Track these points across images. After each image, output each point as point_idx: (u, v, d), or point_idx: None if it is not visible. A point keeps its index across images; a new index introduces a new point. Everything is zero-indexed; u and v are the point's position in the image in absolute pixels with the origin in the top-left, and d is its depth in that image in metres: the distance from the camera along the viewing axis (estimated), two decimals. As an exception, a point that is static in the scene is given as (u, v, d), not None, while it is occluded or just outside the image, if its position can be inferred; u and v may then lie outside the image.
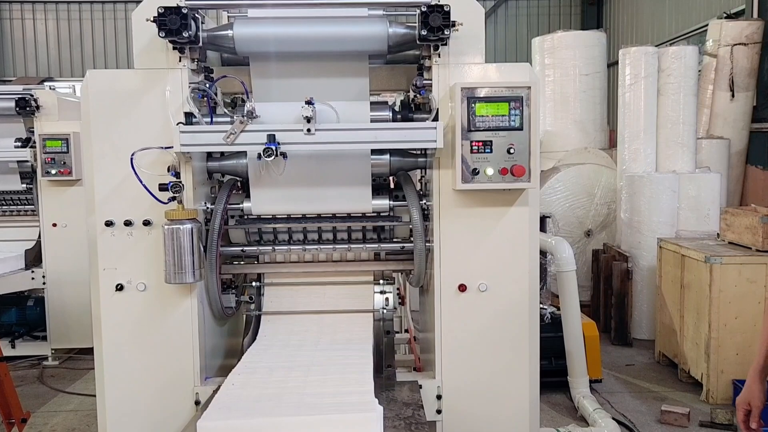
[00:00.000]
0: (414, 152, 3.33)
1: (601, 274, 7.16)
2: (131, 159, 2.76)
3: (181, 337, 2.95)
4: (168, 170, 2.80)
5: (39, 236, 6.18)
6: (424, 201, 3.11)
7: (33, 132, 5.99)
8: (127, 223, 2.90)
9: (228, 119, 2.90)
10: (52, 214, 6.08)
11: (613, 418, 4.54)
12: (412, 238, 3.09)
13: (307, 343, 3.07)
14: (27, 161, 6.05)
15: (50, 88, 6.48)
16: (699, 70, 7.59)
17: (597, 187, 7.74)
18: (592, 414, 4.57)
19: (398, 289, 3.91)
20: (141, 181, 2.76)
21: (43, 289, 6.16)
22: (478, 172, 2.80)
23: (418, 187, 3.33)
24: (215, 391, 2.61)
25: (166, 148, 2.81)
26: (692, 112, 7.36)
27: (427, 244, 3.04)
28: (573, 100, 8.59)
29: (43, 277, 6.12)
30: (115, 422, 2.96)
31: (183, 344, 2.95)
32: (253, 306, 3.41)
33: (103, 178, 2.90)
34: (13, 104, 5.90)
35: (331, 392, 2.42)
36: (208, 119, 2.92)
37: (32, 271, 6.12)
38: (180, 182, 2.78)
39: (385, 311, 3.39)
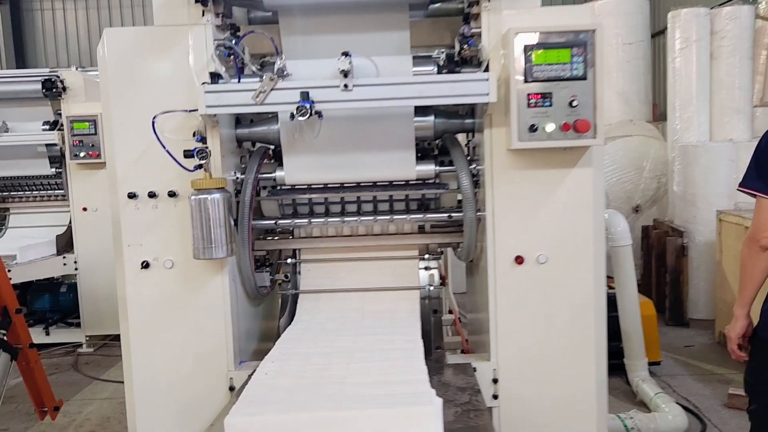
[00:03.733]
0: (460, 113, 3.03)
1: (652, 252, 6.76)
2: (153, 123, 2.52)
3: (212, 317, 2.72)
4: (193, 135, 2.55)
5: (70, 221, 6.05)
6: (474, 166, 2.81)
7: (60, 115, 5.85)
8: (152, 195, 2.66)
9: (257, 80, 2.63)
10: (82, 198, 5.94)
11: (677, 403, 4.20)
12: (460, 207, 2.80)
13: (348, 325, 2.81)
14: (55, 144, 5.91)
15: (76, 69, 6.32)
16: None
17: (646, 160, 7.32)
18: (653, 399, 4.24)
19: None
20: (164, 147, 2.52)
21: (75, 274, 6.04)
22: (537, 128, 2.49)
23: (465, 152, 3.03)
24: (249, 377, 2.37)
25: (191, 111, 2.56)
26: (748, 77, 6.90)
27: (477, 214, 2.74)
28: (616, 70, 8.14)
29: (75, 262, 5.99)
30: (144, 409, 2.75)
31: (215, 325, 2.72)
32: (288, 285, 3.16)
33: (124, 146, 2.67)
34: (39, 86, 5.77)
35: (377, 381, 2.12)
36: (236, 80, 2.66)
37: (64, 257, 6.00)
38: (206, 148, 2.53)
39: (431, 288, 3.12)
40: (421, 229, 3.16)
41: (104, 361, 5.83)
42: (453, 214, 2.92)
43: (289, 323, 2.95)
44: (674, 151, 6.85)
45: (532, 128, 2.49)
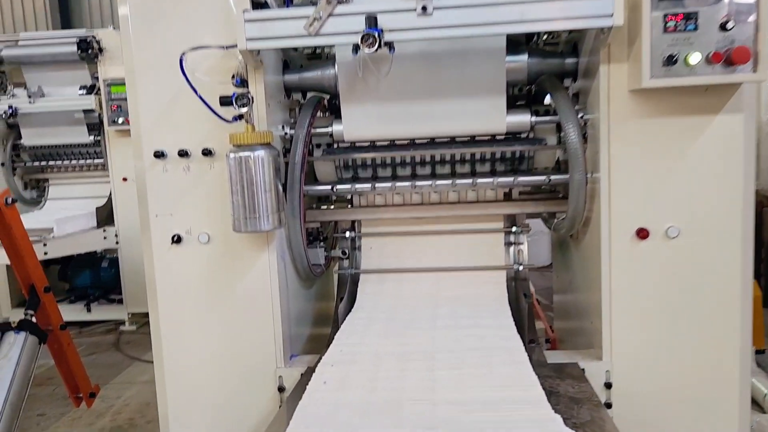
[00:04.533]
0: (558, 51, 2.45)
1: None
2: (181, 62, 2.01)
3: (257, 303, 2.23)
4: (232, 78, 2.04)
5: (110, 192, 5.69)
6: (582, 115, 2.22)
7: (98, 78, 5.45)
8: (183, 154, 2.17)
9: (310, 7, 2.08)
10: (122, 167, 5.54)
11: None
12: (559, 169, 2.23)
13: (421, 314, 2.28)
14: (93, 111, 5.52)
15: (113, 28, 5.90)
16: None
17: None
18: (769, 396, 3.61)
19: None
20: (195, 91, 2.02)
21: (116, 249, 5.69)
22: (676, 60, 1.88)
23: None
24: (302, 376, 1.86)
25: (228, 47, 2.05)
26: None
27: (588, 175, 2.17)
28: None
29: (116, 236, 5.63)
30: (177, 410, 2.30)
31: (260, 313, 2.23)
32: (347, 263, 2.65)
33: (148, 93, 2.19)
34: (75, 48, 5.37)
35: (477, 399, 1.59)
36: (284, 7, 2.12)
37: (104, 230, 5.64)
38: (248, 93, 2.02)
39: (520, 268, 2.56)
40: (507, 197, 2.60)
41: (146, 340, 5.43)
42: (553, 176, 2.34)
43: (349, 310, 2.45)
44: (772, 112, 6.04)
45: (670, 60, 1.89)
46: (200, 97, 2.00)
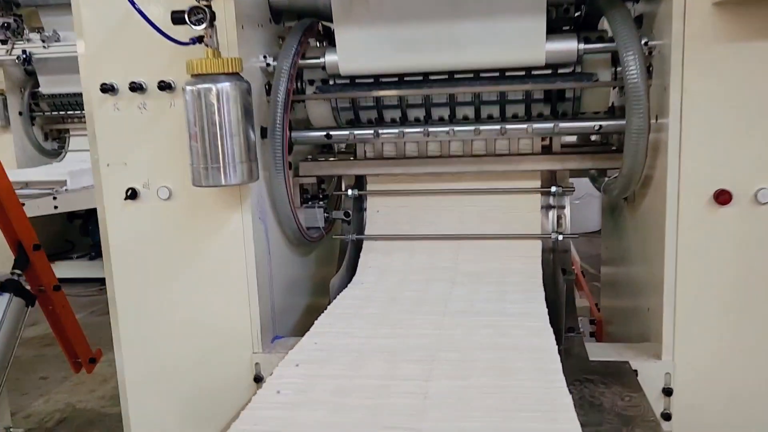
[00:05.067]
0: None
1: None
2: (121, -34, 1.57)
3: (229, 274, 1.82)
4: (190, -10, 1.60)
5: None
6: (646, 40, 1.69)
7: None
8: (135, 88, 1.75)
9: None
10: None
11: None
12: (613, 113, 1.72)
13: (432, 294, 1.82)
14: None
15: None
16: None
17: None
18: None
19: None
20: (133, 4, 1.57)
21: (135, 204, 5.39)
22: (787, -46, 1.34)
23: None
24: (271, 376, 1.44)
25: (184, -51, 1.59)
26: None
27: (652, 122, 1.65)
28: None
29: (134, 190, 5.33)
30: (137, 398, 1.93)
31: (233, 286, 1.83)
32: (350, 224, 2.21)
33: (95, 11, 1.76)
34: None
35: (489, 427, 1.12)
36: None
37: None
38: (206, 5, 1.57)
39: (559, 238, 2.08)
40: (547, 150, 2.10)
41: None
42: (605, 123, 1.83)
43: (347, 284, 2.02)
44: None
45: (778, -46, 1.34)
46: (140, 12, 1.55)
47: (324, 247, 2.41)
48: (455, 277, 1.94)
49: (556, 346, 1.40)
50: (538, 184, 2.09)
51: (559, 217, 2.16)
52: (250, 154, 1.66)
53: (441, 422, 1.10)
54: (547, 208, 2.18)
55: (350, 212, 2.21)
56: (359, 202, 2.21)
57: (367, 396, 1.19)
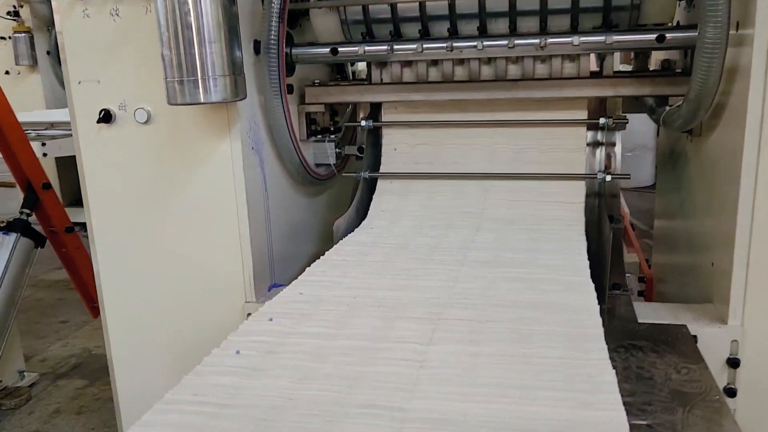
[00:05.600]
0: None
1: None
2: None
3: (218, 213, 1.58)
4: None
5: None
6: None
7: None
8: (106, -10, 1.49)
9: None
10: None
11: None
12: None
13: (450, 241, 1.53)
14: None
15: None
16: None
17: None
18: None
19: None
20: None
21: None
22: None
23: None
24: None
25: None
26: None
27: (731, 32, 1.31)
28: None
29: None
30: (121, 348, 1.74)
31: (222, 226, 1.59)
32: (363, 159, 1.94)
33: None
34: None
35: (489, 417, 0.81)
36: None
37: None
38: None
39: (607, 179, 1.76)
40: (596, 75, 1.77)
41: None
42: (669, 35, 1.49)
43: (356, 228, 1.75)
44: None
45: None
46: None
47: (338, 188, 2.15)
48: (481, 224, 1.65)
49: (598, 307, 1.12)
50: (584, 114, 1.77)
51: (608, 156, 1.84)
52: (234, 67, 1.40)
53: (433, 402, 0.82)
54: (593, 145, 1.87)
55: (364, 146, 1.93)
56: (374, 137, 1.93)
57: (348, 361, 0.93)
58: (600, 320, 1.04)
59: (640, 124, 4.70)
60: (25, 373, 3.08)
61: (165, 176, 1.59)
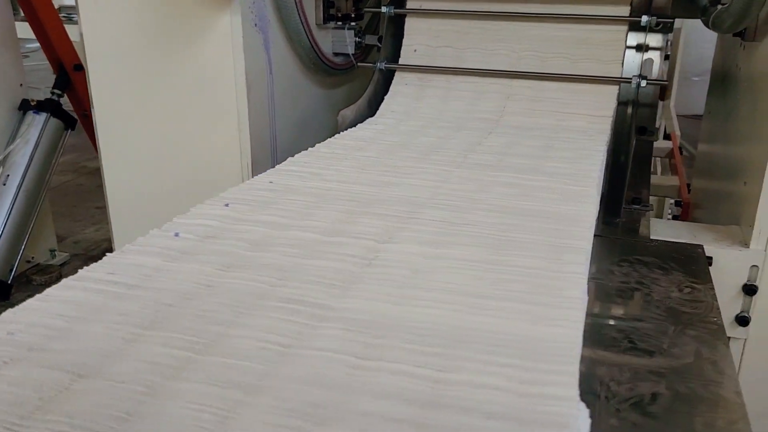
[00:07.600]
0: None
1: None
2: None
3: (215, 96, 1.51)
4: None
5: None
6: None
7: None
8: None
9: None
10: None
11: None
12: None
13: (455, 142, 1.41)
14: None
15: None
16: None
17: None
18: None
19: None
20: None
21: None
22: None
23: None
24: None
25: None
26: None
27: None
28: None
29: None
30: (122, 228, 1.73)
31: (218, 108, 1.52)
32: (381, 50, 1.82)
33: None
34: None
35: (435, 320, 0.70)
36: None
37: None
38: None
39: (643, 84, 1.60)
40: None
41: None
42: None
43: (363, 119, 1.66)
44: None
45: None
46: None
47: (359, 81, 2.04)
48: (494, 128, 1.53)
49: (594, 219, 1.01)
50: (626, 10, 1.59)
51: (647, 61, 1.67)
52: (231, -70, 1.28)
53: (366, 302, 0.73)
54: (636, 49, 1.69)
55: (384, 36, 1.80)
56: (395, 26, 1.79)
57: (291, 253, 0.86)
58: (590, 234, 0.94)
59: (711, 48, 4.35)
60: (56, 252, 3.18)
61: (157, 53, 1.51)
